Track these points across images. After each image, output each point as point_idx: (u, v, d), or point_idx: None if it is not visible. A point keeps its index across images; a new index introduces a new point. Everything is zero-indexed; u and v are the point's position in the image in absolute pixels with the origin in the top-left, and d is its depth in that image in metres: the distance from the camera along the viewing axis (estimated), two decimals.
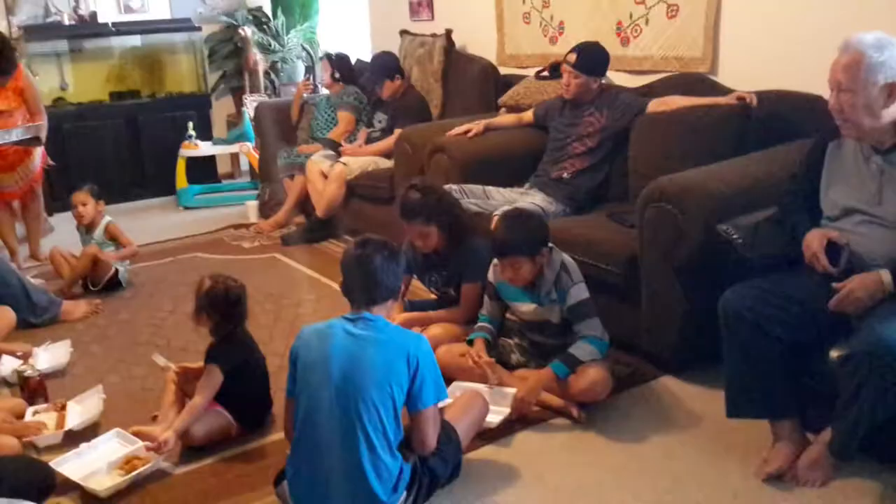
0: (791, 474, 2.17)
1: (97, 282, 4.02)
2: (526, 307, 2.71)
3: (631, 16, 3.79)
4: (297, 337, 2.13)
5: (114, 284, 4.07)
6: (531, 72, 4.23)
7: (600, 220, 3.22)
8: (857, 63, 2.07)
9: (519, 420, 2.57)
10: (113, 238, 4.15)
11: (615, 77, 3.83)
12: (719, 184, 2.67)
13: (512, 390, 2.60)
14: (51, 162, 4.54)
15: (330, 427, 1.98)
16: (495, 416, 2.52)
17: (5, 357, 3.15)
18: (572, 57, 3.50)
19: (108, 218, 4.16)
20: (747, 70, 3.33)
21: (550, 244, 2.62)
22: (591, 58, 3.50)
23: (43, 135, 4.41)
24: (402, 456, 2.06)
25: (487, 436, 2.49)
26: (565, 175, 3.47)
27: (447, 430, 2.19)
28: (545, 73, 4.03)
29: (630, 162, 3.34)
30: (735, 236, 2.44)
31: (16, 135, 4.29)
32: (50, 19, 6.03)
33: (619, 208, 3.26)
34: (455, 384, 2.70)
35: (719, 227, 2.48)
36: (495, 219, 3.21)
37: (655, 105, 3.34)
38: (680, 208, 2.60)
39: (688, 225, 2.58)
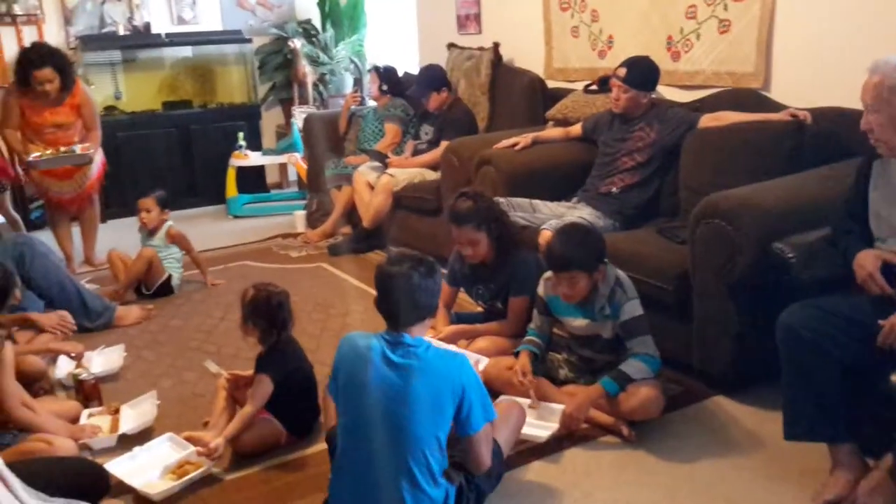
0: (850, 501, 2.11)
1: (150, 285, 4.11)
2: (578, 322, 2.70)
3: (682, 30, 3.77)
4: (339, 346, 2.09)
5: (166, 289, 4.15)
6: (579, 85, 4.22)
7: (650, 235, 3.19)
8: (880, 83, 2.09)
9: (568, 436, 2.55)
10: (174, 242, 4.23)
11: (665, 92, 3.81)
12: (774, 201, 2.64)
13: (560, 406, 2.58)
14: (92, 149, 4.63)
15: (370, 457, 1.95)
16: (544, 431, 2.51)
17: (61, 360, 3.23)
18: (622, 71, 3.49)
19: (170, 222, 4.26)
20: (801, 86, 3.29)
21: (605, 259, 2.61)
22: (641, 72, 3.48)
23: (94, 154, 4.57)
24: (448, 477, 2.02)
25: (536, 451, 2.48)
26: (614, 190, 3.45)
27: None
28: (594, 87, 4.02)
29: (681, 177, 3.31)
30: (790, 256, 2.41)
31: (67, 161, 4.49)
32: (105, 30, 6.19)
33: (669, 224, 3.23)
34: (502, 398, 2.69)
35: (774, 245, 2.46)
36: (543, 233, 3.21)
37: (707, 120, 3.31)
38: (734, 225, 2.57)
39: (741, 242, 2.55)
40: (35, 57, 4.34)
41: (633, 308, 2.57)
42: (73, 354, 3.15)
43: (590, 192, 3.53)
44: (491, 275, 3.04)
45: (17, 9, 5.83)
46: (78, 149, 4.51)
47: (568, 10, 4.41)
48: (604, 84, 3.86)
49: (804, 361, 2.15)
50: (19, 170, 4.84)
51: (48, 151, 4.45)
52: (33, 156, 4.41)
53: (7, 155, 4.68)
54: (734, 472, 2.36)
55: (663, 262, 2.91)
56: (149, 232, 4.23)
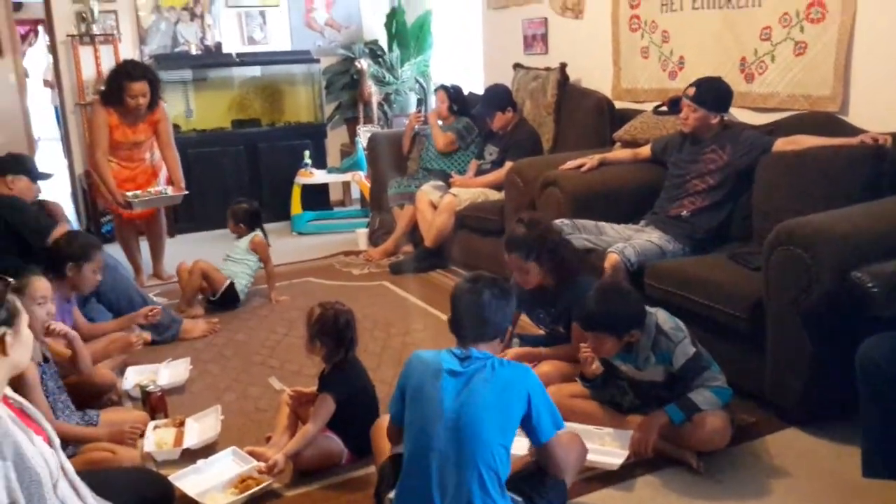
0: None
1: (215, 292, 4.19)
2: (625, 367, 2.64)
3: (756, 52, 3.69)
4: (406, 364, 2.13)
5: (232, 295, 4.22)
6: (648, 106, 4.16)
7: (721, 261, 3.10)
8: None
9: (638, 464, 2.49)
10: (255, 250, 4.36)
11: (738, 114, 3.73)
12: (852, 228, 2.55)
13: (629, 432, 2.53)
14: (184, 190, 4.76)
15: (442, 465, 1.96)
16: (615, 459, 2.46)
17: (129, 372, 3.30)
18: (691, 90, 3.43)
19: (256, 232, 4.40)
20: (880, 110, 3.18)
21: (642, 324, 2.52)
22: (711, 91, 3.41)
23: (182, 195, 4.74)
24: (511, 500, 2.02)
25: (604, 478, 2.43)
26: (684, 213, 3.38)
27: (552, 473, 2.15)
28: (664, 108, 3.95)
29: (754, 202, 3.23)
30: (870, 285, 2.32)
31: (161, 202, 4.68)
32: (178, 49, 6.36)
33: (741, 249, 3.13)
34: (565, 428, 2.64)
35: (853, 274, 2.37)
36: (610, 256, 3.16)
37: (782, 144, 3.22)
38: (810, 252, 2.49)
39: (818, 270, 2.47)
40: (132, 69, 4.47)
41: (683, 352, 2.48)
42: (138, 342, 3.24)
43: (659, 214, 3.46)
44: (551, 300, 2.99)
45: (95, 29, 6.04)
46: (170, 190, 4.65)
47: (638, 31, 4.36)
48: (674, 105, 3.79)
49: (885, 395, 2.05)
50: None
51: (140, 192, 4.57)
52: (129, 195, 4.51)
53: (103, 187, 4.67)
54: None
55: (736, 289, 2.82)
56: (237, 237, 4.41)
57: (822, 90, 3.41)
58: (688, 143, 3.51)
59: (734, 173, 3.33)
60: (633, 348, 2.54)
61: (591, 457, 2.42)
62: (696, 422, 2.45)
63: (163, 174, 4.78)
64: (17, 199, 3.65)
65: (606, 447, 2.55)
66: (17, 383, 2.46)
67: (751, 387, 2.78)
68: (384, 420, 2.33)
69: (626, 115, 4.25)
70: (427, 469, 1.98)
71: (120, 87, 4.41)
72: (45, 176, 3.99)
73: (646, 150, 3.79)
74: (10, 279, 1.78)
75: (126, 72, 4.45)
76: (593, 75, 4.65)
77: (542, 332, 3.21)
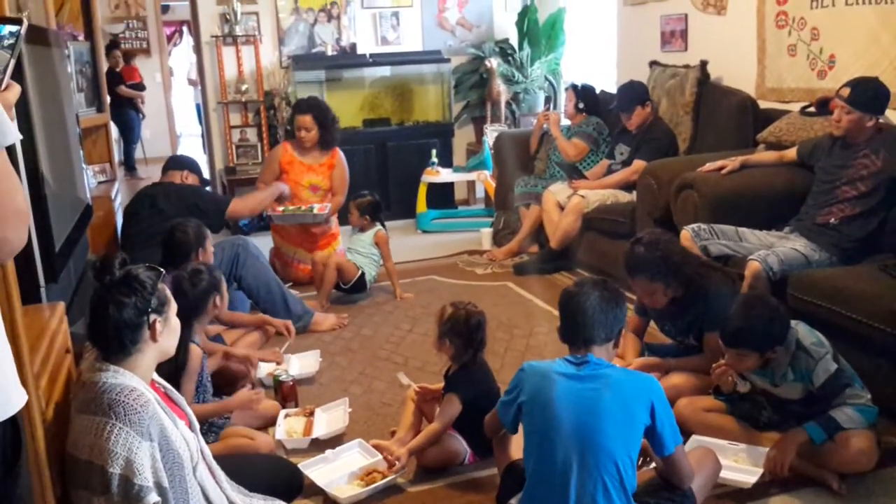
0: None
1: (346, 282, 4.30)
2: (761, 382, 2.51)
3: None
4: (517, 374, 2.10)
5: (361, 285, 4.33)
6: (794, 107, 3.95)
7: (871, 272, 2.89)
8: None
9: (772, 483, 2.36)
10: (377, 245, 4.41)
11: (894, 117, 3.47)
12: None
13: (765, 449, 2.41)
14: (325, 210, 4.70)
15: (565, 475, 1.91)
16: (749, 476, 2.35)
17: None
18: (845, 91, 3.21)
19: (378, 227, 4.43)
20: None
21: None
22: (867, 93, 3.18)
23: (329, 215, 4.68)
24: None
25: (736, 496, 2.33)
26: (832, 220, 3.18)
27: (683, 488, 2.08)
28: (812, 109, 3.74)
29: None
30: None
31: (302, 219, 4.63)
32: (315, 50, 6.56)
33: (893, 260, 2.92)
34: (695, 438, 2.55)
35: None
36: (751, 264, 3.01)
37: None
38: None
39: None
40: (303, 104, 4.78)
41: (825, 369, 2.35)
42: (278, 362, 3.29)
43: (804, 221, 3.27)
44: (679, 312, 2.88)
45: (238, 30, 6.32)
46: (315, 208, 4.64)
47: (785, 28, 4.14)
48: (823, 106, 3.58)
49: None
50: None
51: (290, 207, 4.62)
52: (269, 210, 4.60)
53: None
54: None
55: (887, 303, 2.63)
56: (359, 229, 4.46)
57: None
58: (838, 147, 3.29)
59: (888, 180, 3.11)
60: (770, 363, 2.42)
61: (724, 473, 2.33)
62: (839, 441, 2.32)
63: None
64: (197, 186, 4.20)
65: (740, 464, 2.45)
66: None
67: None
68: None
69: (771, 116, 4.03)
70: (551, 480, 1.94)
71: (293, 118, 4.77)
72: (207, 182, 4.40)
73: (792, 153, 3.59)
74: (162, 269, 1.86)
75: (297, 105, 4.83)
76: (735, 74, 4.45)
77: (670, 341, 3.10)
